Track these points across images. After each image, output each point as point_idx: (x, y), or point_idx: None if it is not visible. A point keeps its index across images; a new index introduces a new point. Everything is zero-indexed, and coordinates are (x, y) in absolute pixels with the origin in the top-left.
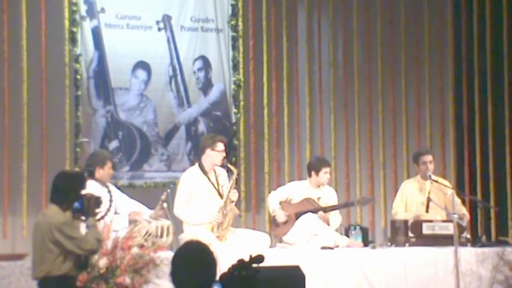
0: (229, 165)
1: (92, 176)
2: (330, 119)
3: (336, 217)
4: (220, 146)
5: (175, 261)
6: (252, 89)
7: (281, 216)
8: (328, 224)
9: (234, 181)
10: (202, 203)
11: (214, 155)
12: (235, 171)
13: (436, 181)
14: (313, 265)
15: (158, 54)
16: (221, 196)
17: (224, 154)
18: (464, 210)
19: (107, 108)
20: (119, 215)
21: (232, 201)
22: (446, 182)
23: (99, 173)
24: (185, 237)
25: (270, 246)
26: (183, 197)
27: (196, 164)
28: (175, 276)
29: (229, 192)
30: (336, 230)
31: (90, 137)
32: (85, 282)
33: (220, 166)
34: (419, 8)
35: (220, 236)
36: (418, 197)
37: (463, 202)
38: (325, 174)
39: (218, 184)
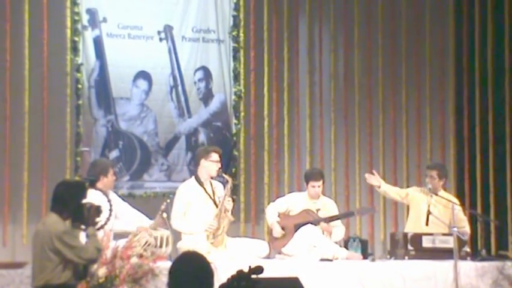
0: (224, 175)
1: (92, 185)
2: (330, 130)
3: (339, 228)
4: (214, 156)
5: (172, 272)
6: (252, 100)
7: (277, 231)
8: (330, 236)
9: (229, 189)
10: (198, 213)
11: (209, 165)
12: (229, 180)
13: (436, 194)
14: (312, 277)
15: (159, 64)
16: (217, 206)
17: (219, 165)
18: (466, 226)
19: (107, 117)
20: (125, 219)
21: (228, 210)
22: (452, 197)
23: (103, 181)
24: (183, 245)
25: (269, 257)
26: (180, 209)
27: (193, 177)
28: (172, 287)
29: (223, 200)
30: (336, 242)
31: (90, 146)
32: None
33: (216, 177)
34: (420, 21)
35: (215, 242)
36: (423, 209)
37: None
38: (312, 188)
39: (214, 195)
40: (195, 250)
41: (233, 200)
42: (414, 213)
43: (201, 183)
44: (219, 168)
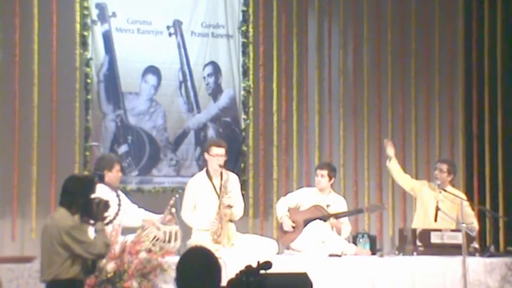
0: (222, 170)
1: (101, 180)
2: (339, 126)
3: (346, 225)
4: (213, 150)
5: (179, 267)
6: (261, 95)
7: (287, 225)
8: (339, 233)
9: (225, 186)
10: (204, 208)
11: (209, 159)
12: (225, 175)
13: (445, 190)
14: (321, 272)
15: (168, 59)
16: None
17: (220, 159)
18: (475, 222)
19: (116, 112)
20: (132, 212)
21: (228, 206)
22: (459, 193)
23: (108, 176)
24: (192, 242)
25: (278, 253)
26: (189, 202)
27: (204, 170)
28: (179, 282)
29: (221, 198)
30: (344, 238)
31: (99, 141)
32: (92, 286)
33: (221, 170)
34: (430, 17)
35: (218, 241)
36: (431, 204)
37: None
38: (316, 176)
39: (221, 190)
40: (202, 245)
41: (242, 195)
42: (422, 208)
43: (209, 177)
44: (223, 163)
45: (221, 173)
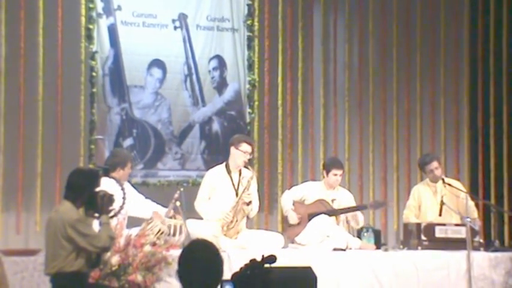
0: (248, 167)
1: (106, 173)
2: (344, 120)
3: (360, 215)
4: (244, 146)
5: (181, 260)
6: (266, 89)
7: (293, 218)
8: (358, 222)
9: (249, 183)
10: (219, 200)
11: (236, 154)
12: (254, 174)
13: (450, 184)
14: (325, 266)
15: (174, 53)
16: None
17: (248, 156)
18: (475, 215)
19: (121, 105)
20: (140, 203)
21: (246, 203)
22: (459, 185)
23: (119, 173)
24: (192, 231)
25: (282, 247)
26: (205, 193)
27: (224, 163)
28: (181, 274)
29: (242, 192)
30: (349, 232)
31: (104, 135)
32: (97, 279)
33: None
34: (435, 11)
35: (227, 234)
36: (432, 201)
37: (477, 205)
38: (334, 176)
39: (239, 185)
40: (204, 238)
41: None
42: (423, 205)
43: (229, 171)
44: (247, 160)
45: (240, 169)
